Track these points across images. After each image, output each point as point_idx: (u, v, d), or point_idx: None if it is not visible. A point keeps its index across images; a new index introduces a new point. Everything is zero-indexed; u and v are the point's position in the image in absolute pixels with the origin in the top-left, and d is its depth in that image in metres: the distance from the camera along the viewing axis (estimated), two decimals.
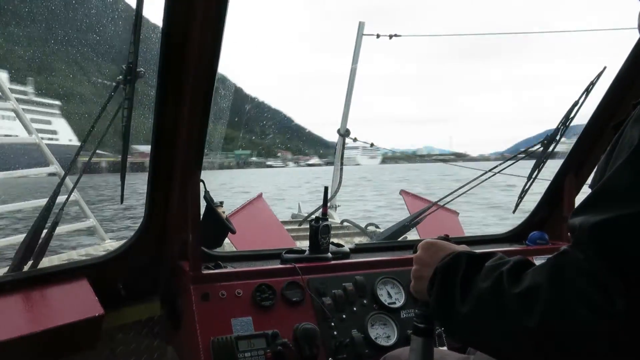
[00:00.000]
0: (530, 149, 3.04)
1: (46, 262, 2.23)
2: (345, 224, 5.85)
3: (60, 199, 2.24)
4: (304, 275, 2.32)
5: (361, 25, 7.15)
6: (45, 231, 2.12)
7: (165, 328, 2.53)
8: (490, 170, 3.33)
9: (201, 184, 2.22)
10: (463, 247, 1.31)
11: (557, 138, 2.96)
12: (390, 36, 7.00)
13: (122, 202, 2.15)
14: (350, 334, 2.21)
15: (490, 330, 1.04)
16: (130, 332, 2.46)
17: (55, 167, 4.33)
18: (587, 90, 2.72)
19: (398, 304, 2.37)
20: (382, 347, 2.21)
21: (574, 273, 0.92)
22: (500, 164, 3.27)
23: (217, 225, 2.19)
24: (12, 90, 4.62)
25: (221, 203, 2.24)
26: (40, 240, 2.11)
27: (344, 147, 6.85)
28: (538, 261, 1.04)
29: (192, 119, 2.08)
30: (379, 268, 2.49)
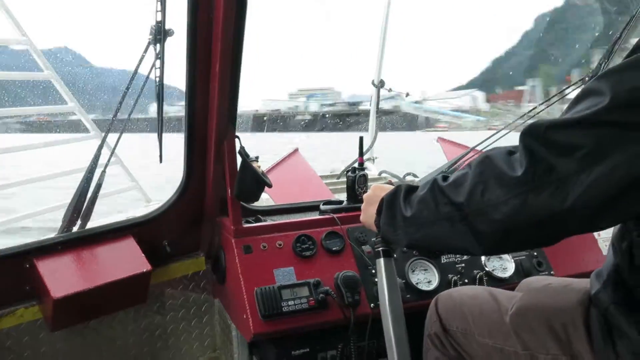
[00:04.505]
0: (570, 87, 2.92)
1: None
2: (383, 174, 5.81)
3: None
4: (343, 225, 2.34)
5: None
6: (90, 193, 2.18)
7: (211, 282, 2.61)
8: (527, 114, 3.23)
9: (236, 139, 2.24)
10: None
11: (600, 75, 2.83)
12: None
13: (161, 161, 2.19)
14: None
15: (430, 219, 1.25)
16: (178, 286, 2.55)
17: (95, 133, 4.42)
18: (631, 21, 2.58)
19: None
20: (423, 291, 2.23)
21: (495, 155, 1.14)
22: (537, 106, 3.16)
23: (253, 179, 2.21)
24: None
25: (257, 158, 2.25)
26: (86, 202, 2.18)
27: (378, 99, 6.73)
28: None
29: (224, 74, 2.09)
30: None
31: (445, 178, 1.26)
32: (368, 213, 1.55)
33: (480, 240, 1.17)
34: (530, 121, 1.66)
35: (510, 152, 1.14)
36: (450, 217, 1.20)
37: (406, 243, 1.37)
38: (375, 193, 1.54)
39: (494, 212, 1.10)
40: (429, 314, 1.81)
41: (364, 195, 1.61)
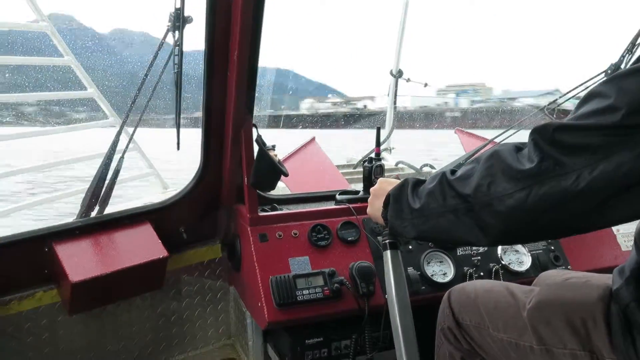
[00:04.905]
0: (590, 81, 2.87)
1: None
2: (400, 165, 5.80)
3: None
4: (358, 215, 2.34)
5: None
6: (108, 179, 2.20)
7: (226, 269, 2.63)
8: (547, 106, 3.20)
9: (253, 128, 2.24)
10: None
11: (622, 67, 2.79)
12: None
13: (178, 148, 2.20)
14: (406, 271, 2.22)
15: (438, 211, 1.27)
16: (194, 273, 2.57)
17: (113, 120, 4.46)
18: None
19: None
20: (438, 283, 2.23)
21: (503, 150, 1.16)
22: (558, 99, 3.12)
23: (269, 168, 2.21)
24: None
25: (273, 147, 2.25)
26: (104, 188, 2.20)
27: (397, 89, 6.70)
28: None
29: (242, 62, 2.09)
30: None
31: (453, 172, 1.28)
32: (375, 206, 1.59)
33: (484, 231, 1.19)
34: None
35: (518, 148, 1.17)
36: (456, 209, 1.23)
37: (414, 234, 1.39)
38: (382, 187, 1.58)
39: (498, 204, 1.13)
40: (441, 307, 1.81)
41: (371, 189, 1.65)
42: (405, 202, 1.39)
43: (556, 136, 1.08)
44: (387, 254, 1.61)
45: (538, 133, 1.11)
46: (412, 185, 1.41)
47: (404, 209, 1.39)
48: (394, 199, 1.44)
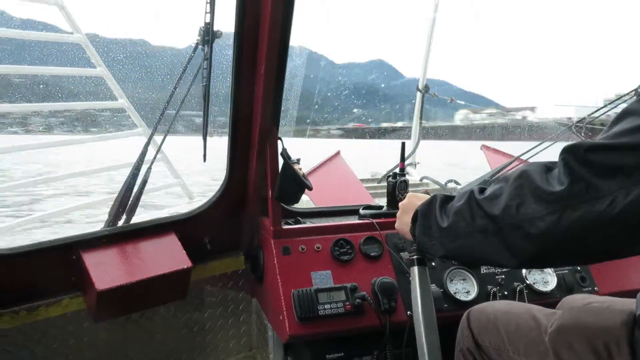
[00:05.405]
0: (623, 97, 2.83)
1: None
2: (424, 180, 5.77)
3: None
4: (382, 231, 2.33)
5: None
6: (135, 189, 2.24)
7: (249, 281, 2.64)
8: (577, 124, 3.16)
9: (279, 141, 2.26)
10: None
11: None
12: None
13: (204, 160, 2.23)
14: None
15: (466, 231, 1.25)
16: (217, 284, 2.59)
17: (143, 130, 4.54)
18: None
19: None
20: (461, 302, 2.20)
21: (532, 170, 1.14)
22: (587, 117, 3.09)
23: (293, 181, 2.22)
24: None
25: (298, 160, 2.27)
26: (131, 198, 2.24)
27: (422, 104, 6.70)
28: None
29: (269, 76, 2.12)
30: None
31: (482, 190, 1.26)
32: (403, 221, 1.57)
33: (514, 253, 1.16)
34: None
35: (548, 168, 1.13)
36: (485, 229, 1.20)
37: (442, 253, 1.37)
38: (410, 201, 1.56)
39: (529, 227, 1.10)
40: (460, 327, 1.79)
41: (400, 203, 1.62)
42: (433, 219, 1.37)
43: (588, 156, 1.04)
44: (415, 270, 1.58)
45: (569, 153, 1.08)
46: (440, 202, 1.39)
47: (432, 226, 1.38)
48: (422, 216, 1.42)
